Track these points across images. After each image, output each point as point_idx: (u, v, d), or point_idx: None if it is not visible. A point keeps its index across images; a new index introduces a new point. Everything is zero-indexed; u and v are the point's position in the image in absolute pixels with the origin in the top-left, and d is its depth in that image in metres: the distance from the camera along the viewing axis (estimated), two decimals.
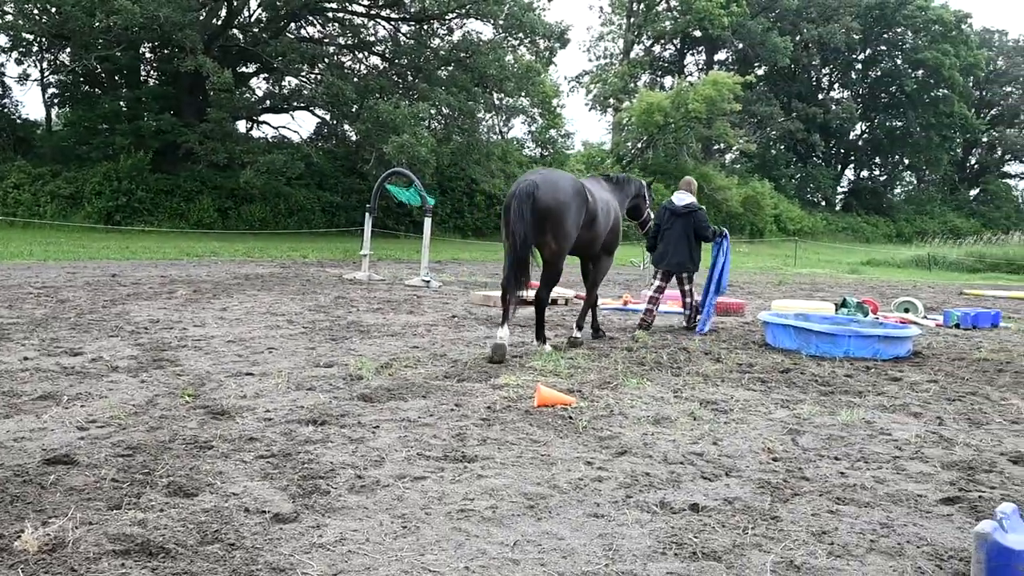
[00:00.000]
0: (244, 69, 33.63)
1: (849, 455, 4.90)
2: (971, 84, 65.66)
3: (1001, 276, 27.73)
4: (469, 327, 9.88)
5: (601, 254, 9.11)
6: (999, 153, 71.96)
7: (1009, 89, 70.90)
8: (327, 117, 34.96)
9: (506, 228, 7.74)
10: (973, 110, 65.44)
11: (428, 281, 15.15)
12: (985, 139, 70.29)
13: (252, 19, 33.18)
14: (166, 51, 30.98)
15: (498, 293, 12.55)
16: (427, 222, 16.46)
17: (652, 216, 10.70)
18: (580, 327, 9.12)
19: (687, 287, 10.44)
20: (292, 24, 33.06)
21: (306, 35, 34.01)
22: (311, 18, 33.42)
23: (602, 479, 4.23)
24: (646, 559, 3.28)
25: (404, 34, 34.30)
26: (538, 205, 7.67)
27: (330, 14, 33.42)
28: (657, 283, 10.49)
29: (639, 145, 48.02)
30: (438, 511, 3.69)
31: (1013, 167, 72.93)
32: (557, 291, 13.46)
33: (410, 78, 33.46)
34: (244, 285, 13.52)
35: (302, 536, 3.36)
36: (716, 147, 53.96)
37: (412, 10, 32.77)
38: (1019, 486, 4.44)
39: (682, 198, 10.44)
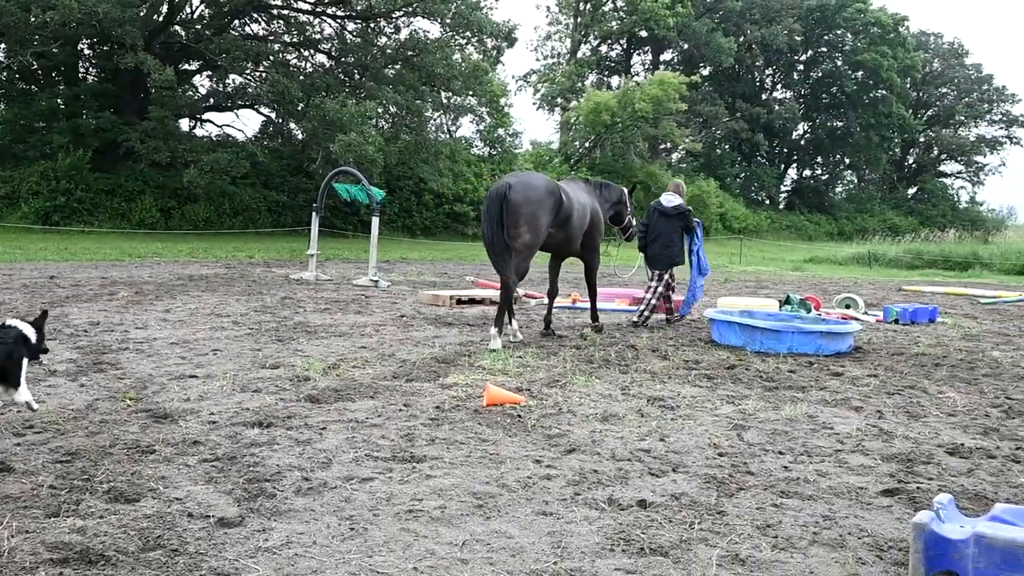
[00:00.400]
0: (187, 66, 33.01)
1: (792, 449, 4.99)
2: (908, 85, 67.21)
3: (938, 272, 28.44)
4: (418, 327, 9.84)
5: (584, 253, 9.74)
6: (935, 153, 73.83)
7: (944, 90, 72.81)
8: (273, 115, 34.47)
9: (484, 218, 8.56)
10: (910, 111, 67.02)
11: (376, 281, 15.05)
12: (922, 139, 72.04)
13: (195, 16, 32.61)
14: (105, 47, 30.27)
15: (446, 292, 12.55)
16: (375, 221, 16.35)
17: (634, 222, 11.02)
18: (595, 318, 10.03)
19: (661, 284, 10.69)
20: (236, 21, 32.56)
21: (250, 32, 33.52)
22: (255, 15, 32.93)
23: (551, 477, 4.25)
24: (594, 556, 3.30)
25: (350, 32, 34.00)
26: (511, 202, 8.30)
27: (275, 11, 32.99)
28: (652, 284, 10.75)
29: (587, 144, 48.25)
30: (386, 512, 3.67)
31: (949, 166, 74.88)
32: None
33: (357, 76, 33.17)
34: (188, 286, 13.29)
35: (247, 540, 3.31)
36: (663, 146, 54.43)
37: (358, 8, 32.47)
38: (955, 477, 4.56)
39: (671, 200, 10.77)
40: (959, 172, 74.88)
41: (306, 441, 4.72)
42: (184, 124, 33.54)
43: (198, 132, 34.65)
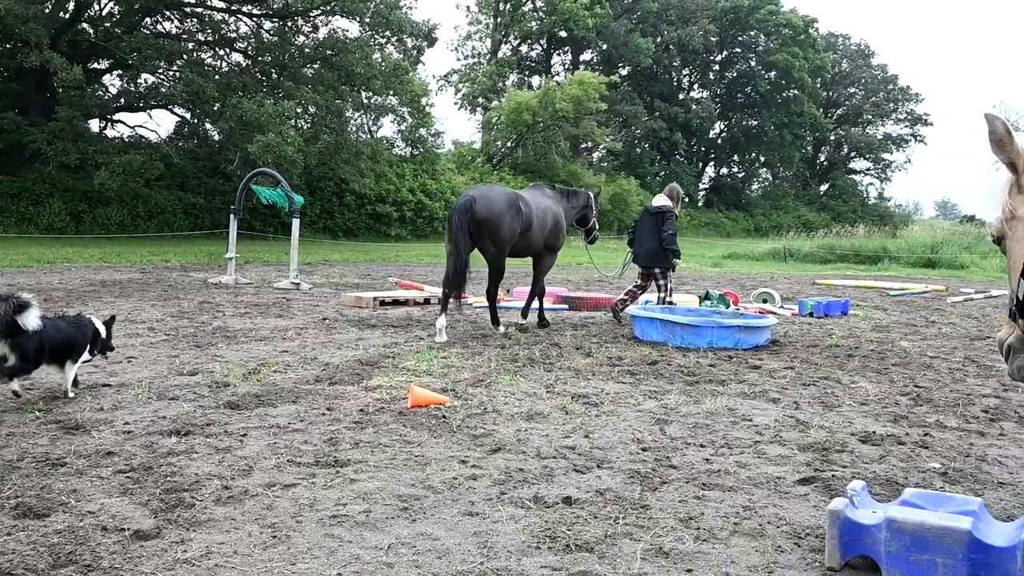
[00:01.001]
0: (96, 65, 31.93)
1: (713, 442, 5.09)
2: (819, 85, 69.29)
3: (849, 266, 29.38)
4: (341, 329, 9.72)
5: (544, 253, 10.22)
6: (845, 151, 76.31)
7: (853, 90, 75.34)
8: (187, 116, 33.61)
9: (449, 236, 9.20)
10: (821, 110, 69.07)
11: (298, 283, 14.82)
12: (832, 137, 74.38)
13: (103, 13, 31.57)
14: (8, 45, 29.05)
15: (369, 294, 12.44)
16: (295, 223, 16.09)
17: (597, 225, 11.55)
18: (525, 316, 10.48)
19: (661, 282, 11.01)
20: (147, 19, 31.63)
21: (163, 30, 32.61)
22: (168, 13, 32.04)
23: (476, 477, 4.25)
24: (520, 554, 3.30)
25: (267, 31, 33.37)
26: (476, 217, 9.10)
27: (188, 9, 32.16)
28: (639, 281, 11.22)
29: (509, 144, 48.41)
30: (309, 518, 3.62)
31: (858, 164, 77.51)
32: (430, 291, 13.43)
33: (275, 76, 32.57)
34: (100, 292, 12.86)
35: (165, 552, 3.22)
36: (584, 146, 54.96)
37: (275, 6, 31.89)
38: (868, 464, 4.71)
39: (659, 200, 11.16)
40: (868, 169, 77.61)
41: (226, 448, 4.62)
42: (94, 125, 32.44)
43: (109, 133, 33.56)
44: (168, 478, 4.07)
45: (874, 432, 5.39)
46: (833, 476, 4.42)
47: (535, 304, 10.49)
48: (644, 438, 5.10)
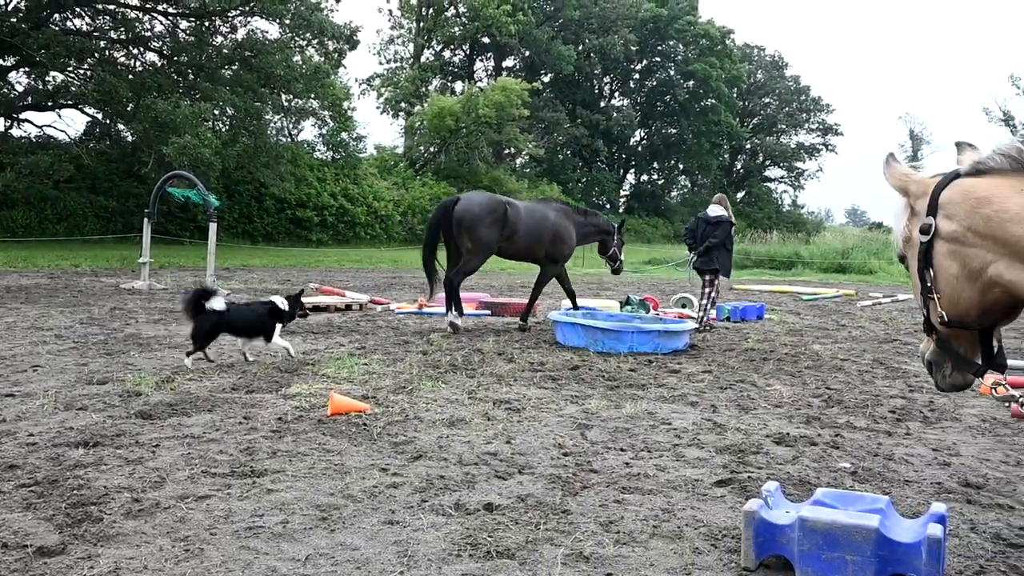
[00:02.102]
0: (1, 62, 30.73)
1: (633, 446, 5.14)
2: (735, 95, 71.06)
3: (765, 272, 30.12)
4: None
5: (545, 262, 10.88)
6: (760, 159, 78.38)
7: (767, 100, 77.49)
8: (99, 116, 32.58)
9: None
10: (737, 119, 70.86)
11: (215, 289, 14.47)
12: (748, 146, 76.37)
13: (9, 8, 30.39)
14: None
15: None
16: (212, 227, 15.73)
17: (620, 255, 11.92)
18: (525, 319, 10.98)
19: (707, 289, 11.48)
20: (57, 15, 30.56)
21: (73, 27, 31.54)
22: (79, 9, 31.02)
23: (397, 485, 4.20)
24: (441, 562, 3.28)
25: (183, 30, 32.60)
26: (455, 215, 10.03)
27: (100, 6, 31.18)
28: (706, 290, 11.56)
29: (432, 149, 48.29)
30: (224, 530, 3.52)
31: (773, 172, 79.69)
32: (352, 296, 13.28)
33: (191, 76, 31.85)
34: (5, 298, 12.35)
35: (70, 569, 3.10)
36: (507, 151, 55.19)
37: (191, 6, 31.16)
38: (782, 465, 4.83)
39: (715, 210, 11.72)
40: (782, 177, 79.86)
41: (137, 460, 4.47)
42: None
43: (15, 132, 32.32)
44: (75, 492, 3.92)
45: (788, 434, 5.52)
46: (749, 477, 4.52)
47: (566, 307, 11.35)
48: (565, 443, 5.12)
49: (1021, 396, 2.21)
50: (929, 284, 2.28)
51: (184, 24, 32.57)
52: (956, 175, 2.23)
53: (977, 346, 2.31)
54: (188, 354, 7.32)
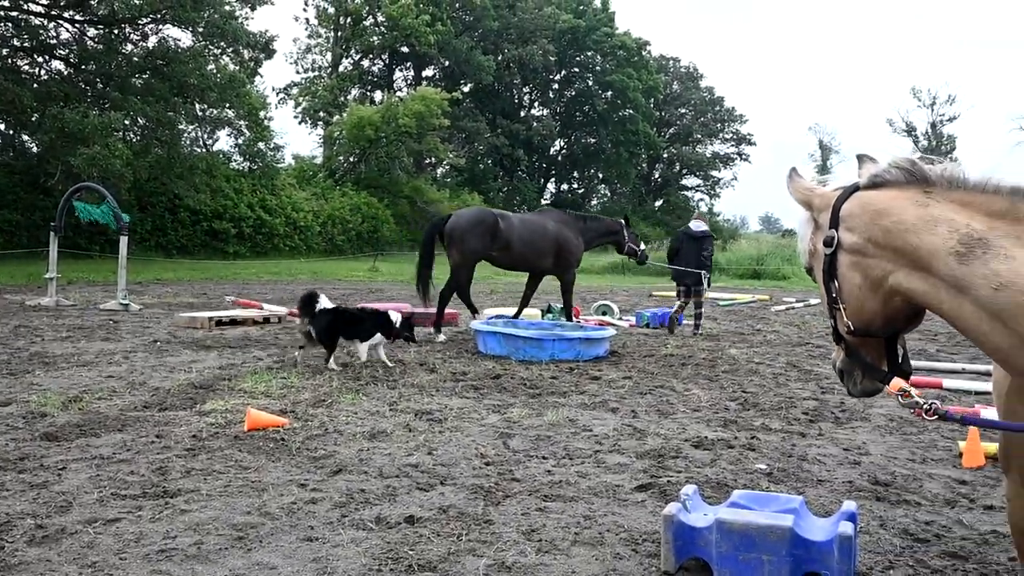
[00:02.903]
0: None
1: (555, 453, 5.16)
2: (652, 105, 72.28)
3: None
4: (173, 352, 9.27)
5: (559, 272, 11.42)
6: (677, 168, 79.87)
7: (683, 111, 79.07)
8: (1, 127, 31.32)
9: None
10: (655, 129, 72.06)
11: (126, 304, 14.04)
12: (666, 155, 77.73)
13: None
14: None
15: (205, 314, 11.96)
16: (123, 241, 15.25)
17: (637, 247, 12.38)
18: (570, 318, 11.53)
19: (697, 299, 12.20)
20: None
21: None
22: None
23: (316, 501, 4.13)
24: None
25: (91, 38, 31.57)
26: (445, 229, 10.59)
27: (2, 12, 30.00)
28: (681, 300, 12.33)
29: (351, 159, 47.80)
30: (135, 554, 3.40)
31: (689, 181, 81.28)
32: (270, 309, 13.04)
33: (100, 85, 30.86)
34: None
35: None
36: (428, 161, 54.98)
37: (100, 13, 30.21)
38: (701, 468, 4.91)
39: (699, 225, 12.48)
40: (698, 186, 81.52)
41: (41, 484, 4.29)
42: None
43: None
44: None
45: (706, 437, 5.62)
46: (668, 482, 4.58)
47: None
48: (487, 452, 5.11)
49: (925, 403, 2.30)
50: (834, 295, 2.34)
51: (92, 32, 31.57)
52: (855, 188, 2.31)
53: (883, 353, 2.38)
54: (326, 361, 8.15)
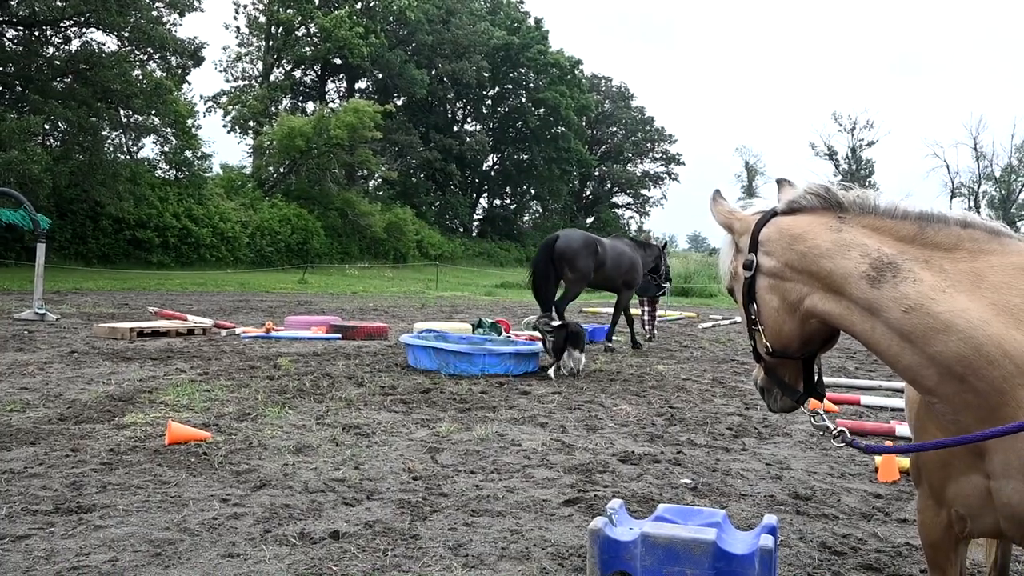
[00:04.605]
0: None
1: (484, 468, 5.15)
2: (584, 123, 73.19)
3: (611, 295, 31.00)
4: (92, 363, 8.99)
5: (622, 288, 12.61)
6: (608, 186, 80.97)
7: (614, 129, 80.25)
8: None
9: (532, 267, 11.91)
10: (586, 147, 72.95)
11: (43, 314, 13.58)
12: (597, 173, 78.72)
13: None
14: None
15: (126, 325, 11.66)
16: (40, 248, 14.77)
17: (667, 271, 14.39)
18: (609, 339, 12.77)
19: (649, 307, 14.45)
20: None
21: None
22: None
23: (238, 516, 4.04)
24: None
25: (10, 39, 30.62)
26: (556, 250, 11.43)
27: None
28: (647, 308, 14.49)
29: (281, 169, 47.20)
30: (45, 572, 3.27)
31: (620, 198, 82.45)
32: (194, 320, 12.76)
33: (19, 88, 29.93)
34: None
35: None
36: (360, 174, 54.60)
37: (19, 14, 29.31)
38: (627, 483, 4.95)
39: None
40: (628, 203, 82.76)
41: None
42: None
43: None
44: None
45: (633, 452, 5.67)
46: (595, 496, 4.60)
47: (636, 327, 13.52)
48: (415, 467, 5.07)
49: (835, 430, 2.37)
50: (753, 317, 2.39)
51: (11, 33, 30.61)
52: (774, 213, 2.38)
53: (800, 374, 2.44)
54: (551, 367, 9.22)
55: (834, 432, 2.35)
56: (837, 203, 2.25)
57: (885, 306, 2.07)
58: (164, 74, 32.35)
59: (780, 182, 2.62)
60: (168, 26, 30.76)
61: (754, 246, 2.36)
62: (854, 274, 2.13)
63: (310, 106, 57.79)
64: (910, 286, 2.05)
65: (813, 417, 2.43)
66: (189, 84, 39.36)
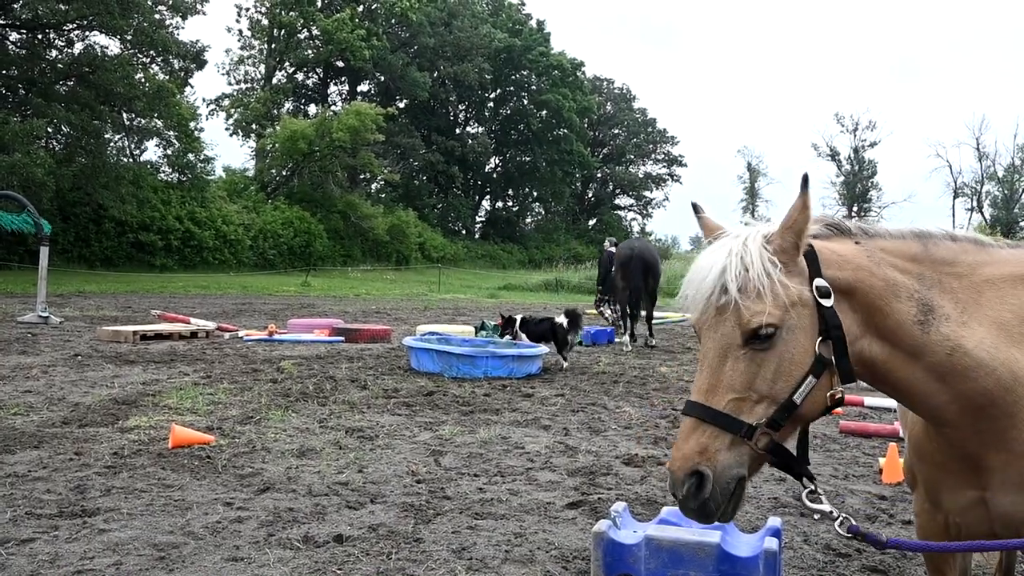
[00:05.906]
0: None
1: (487, 471, 5.15)
2: (586, 125, 73.16)
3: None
4: (95, 366, 9.00)
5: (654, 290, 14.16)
6: (611, 187, 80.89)
7: (617, 131, 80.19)
8: None
9: (624, 272, 13.40)
10: (589, 149, 72.90)
11: (46, 317, 13.59)
12: (599, 175, 78.67)
13: None
14: None
15: (129, 328, 11.66)
16: (43, 251, 14.79)
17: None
18: (652, 335, 13.85)
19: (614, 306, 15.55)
20: None
21: None
22: None
23: (242, 519, 4.04)
24: None
25: (13, 43, 30.68)
26: (646, 262, 13.39)
27: None
28: (617, 307, 14.99)
29: (284, 172, 47.22)
30: None
31: (622, 200, 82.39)
32: (197, 323, 12.77)
33: (22, 92, 29.99)
34: None
35: None
36: (362, 176, 54.63)
37: (23, 17, 29.37)
38: (631, 485, 4.95)
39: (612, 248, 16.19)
40: (631, 205, 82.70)
41: None
42: None
43: None
44: None
45: (636, 454, 5.67)
46: (599, 499, 4.60)
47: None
48: (419, 470, 5.07)
49: (839, 516, 2.11)
50: (829, 358, 1.96)
51: (15, 36, 30.68)
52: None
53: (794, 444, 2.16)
54: (565, 358, 10.19)
55: (839, 520, 2.05)
56: (847, 229, 2.09)
57: (931, 351, 1.94)
58: (167, 77, 32.43)
59: (696, 207, 2.27)
60: (171, 29, 30.85)
61: (815, 269, 1.93)
62: (907, 321, 1.96)
63: (312, 109, 57.80)
64: (945, 325, 1.95)
65: (808, 496, 2.09)
66: (192, 87, 39.54)
